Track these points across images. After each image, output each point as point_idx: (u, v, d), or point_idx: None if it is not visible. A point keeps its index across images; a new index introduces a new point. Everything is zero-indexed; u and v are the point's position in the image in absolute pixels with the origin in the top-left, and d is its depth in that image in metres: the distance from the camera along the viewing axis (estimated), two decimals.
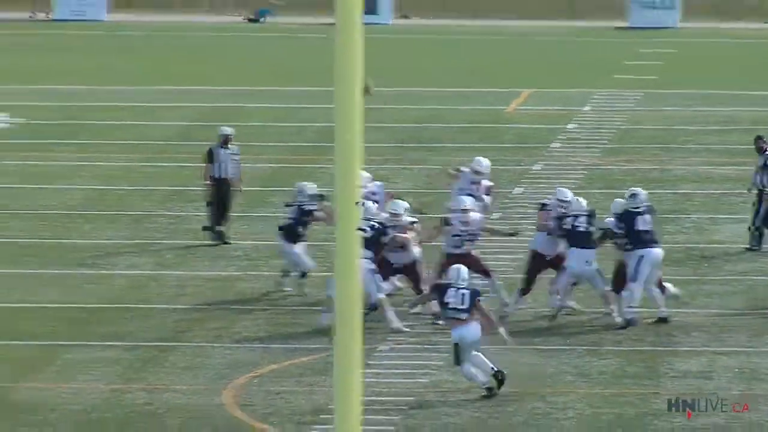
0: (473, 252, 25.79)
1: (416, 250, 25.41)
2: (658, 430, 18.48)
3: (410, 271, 25.45)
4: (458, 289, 20.86)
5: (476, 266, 24.96)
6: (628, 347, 23.58)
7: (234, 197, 29.88)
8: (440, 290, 21.45)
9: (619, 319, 24.68)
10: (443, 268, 24.47)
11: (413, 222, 25.90)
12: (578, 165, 34.62)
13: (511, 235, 27.24)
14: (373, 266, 24.71)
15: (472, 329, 20.23)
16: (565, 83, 47.62)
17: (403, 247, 26.14)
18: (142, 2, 59.14)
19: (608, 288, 25.07)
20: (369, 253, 23.91)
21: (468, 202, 26.16)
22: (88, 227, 30.74)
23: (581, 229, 24.95)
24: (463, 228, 25.68)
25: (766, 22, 68.34)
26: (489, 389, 19.86)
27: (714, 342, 24.05)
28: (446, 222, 25.82)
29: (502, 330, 20.77)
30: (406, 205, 26.17)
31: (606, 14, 59.72)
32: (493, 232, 27.41)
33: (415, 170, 29.05)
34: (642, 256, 24.49)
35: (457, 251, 25.38)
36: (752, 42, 63.90)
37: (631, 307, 24.43)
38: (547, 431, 18.68)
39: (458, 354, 19.81)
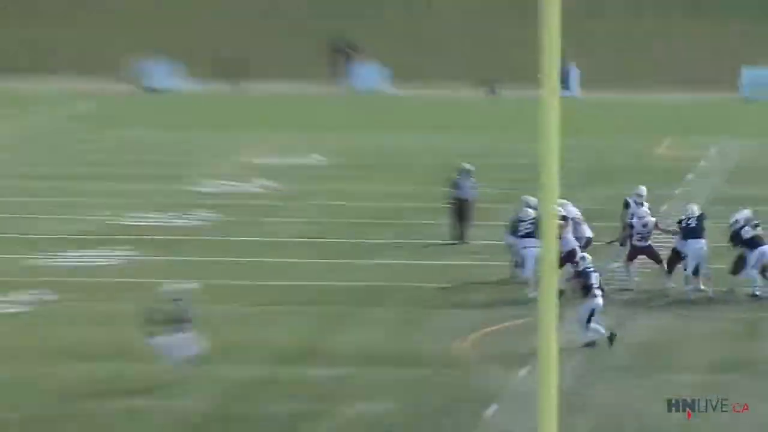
0: (651, 244, 25.83)
1: (573, 242, 24.45)
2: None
3: (569, 258, 23.84)
4: (594, 271, 21.36)
5: (652, 255, 25.38)
6: (736, 314, 23.35)
7: (471, 212, 29.20)
8: (583, 274, 21.50)
9: (711, 294, 24.36)
10: (630, 257, 25.37)
11: (563, 217, 24.68)
12: (707, 190, 33.74)
13: (674, 233, 26.18)
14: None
15: (602, 299, 20.79)
16: (697, 133, 46.29)
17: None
18: (411, 78, 57.28)
19: (705, 271, 24.84)
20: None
21: (645, 210, 26.19)
22: (369, 230, 30.94)
23: (692, 225, 24.88)
24: (643, 228, 25.67)
25: None
26: (610, 336, 20.18)
27: None
28: (631, 225, 25.83)
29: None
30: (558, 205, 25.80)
31: (725, 87, 57.98)
32: (664, 231, 26.73)
33: (591, 194, 28.65)
34: (763, 252, 24.13)
35: (640, 244, 25.53)
36: None
37: (757, 287, 24.17)
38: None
39: (592, 317, 20.21)
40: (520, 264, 24.92)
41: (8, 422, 16.46)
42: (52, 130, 49.02)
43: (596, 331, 20.50)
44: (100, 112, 52.92)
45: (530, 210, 24.74)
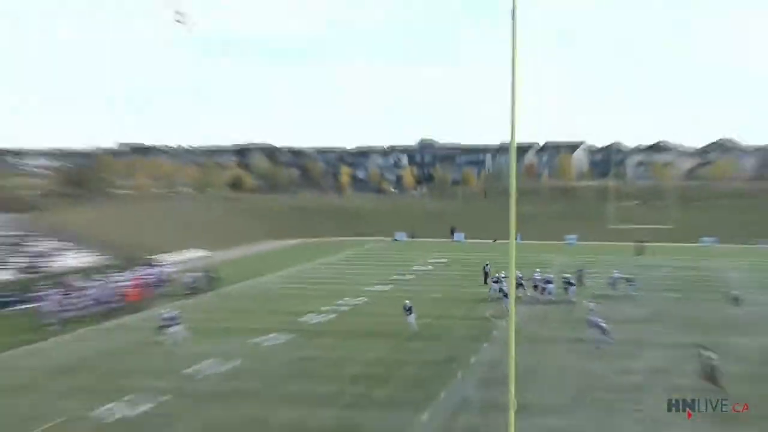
0: (539, 285, 21.48)
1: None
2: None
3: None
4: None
5: (541, 291, 21.16)
6: (566, 307, 20.56)
7: (489, 277, 25.30)
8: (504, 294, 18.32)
9: (555, 299, 21.00)
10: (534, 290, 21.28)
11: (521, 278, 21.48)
12: (560, 272, 27.14)
13: (540, 282, 21.88)
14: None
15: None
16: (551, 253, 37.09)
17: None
18: (472, 236, 45.80)
19: (554, 293, 21.47)
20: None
21: (539, 275, 22.56)
22: (463, 282, 27.17)
23: (549, 280, 22.11)
24: (537, 281, 21.87)
25: None
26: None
27: None
28: (534, 283, 21.69)
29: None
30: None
31: (560, 239, 43.50)
32: (525, 283, 21.67)
33: (522, 271, 22.41)
34: (574, 291, 21.88)
35: (541, 286, 21.41)
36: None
37: (573, 297, 21.32)
38: None
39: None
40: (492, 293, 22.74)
41: None
42: (375, 250, 40.90)
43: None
44: (379, 247, 43.61)
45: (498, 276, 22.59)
